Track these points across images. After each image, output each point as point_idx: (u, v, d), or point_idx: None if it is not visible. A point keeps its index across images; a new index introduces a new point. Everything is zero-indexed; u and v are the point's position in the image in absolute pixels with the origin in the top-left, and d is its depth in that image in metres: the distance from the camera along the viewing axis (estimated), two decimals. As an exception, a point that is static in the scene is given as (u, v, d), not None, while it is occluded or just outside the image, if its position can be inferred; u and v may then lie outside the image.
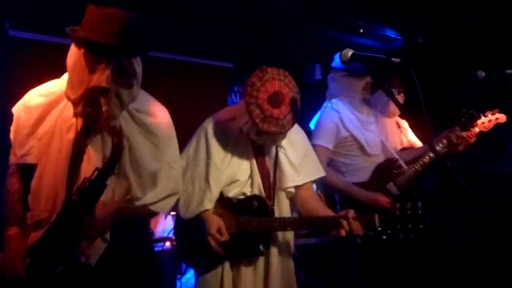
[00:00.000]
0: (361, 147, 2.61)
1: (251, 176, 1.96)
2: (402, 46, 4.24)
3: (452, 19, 3.68)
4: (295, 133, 2.06)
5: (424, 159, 2.57)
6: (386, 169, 2.62)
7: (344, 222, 1.77)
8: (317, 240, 3.66)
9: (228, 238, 1.86)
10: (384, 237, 2.44)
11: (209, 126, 2.01)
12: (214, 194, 1.93)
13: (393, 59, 1.47)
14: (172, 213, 3.23)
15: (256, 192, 1.95)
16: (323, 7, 3.55)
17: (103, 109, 1.44)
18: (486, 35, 3.51)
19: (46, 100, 1.63)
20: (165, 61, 4.14)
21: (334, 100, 2.73)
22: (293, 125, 1.84)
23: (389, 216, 1.81)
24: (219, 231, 1.87)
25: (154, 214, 1.77)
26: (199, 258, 1.98)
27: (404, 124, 2.97)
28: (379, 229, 2.44)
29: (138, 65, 1.55)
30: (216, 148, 1.96)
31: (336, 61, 2.67)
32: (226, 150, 1.96)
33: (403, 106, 1.59)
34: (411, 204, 1.79)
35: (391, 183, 2.55)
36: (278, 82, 1.80)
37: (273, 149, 2.00)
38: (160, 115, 1.75)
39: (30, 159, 1.60)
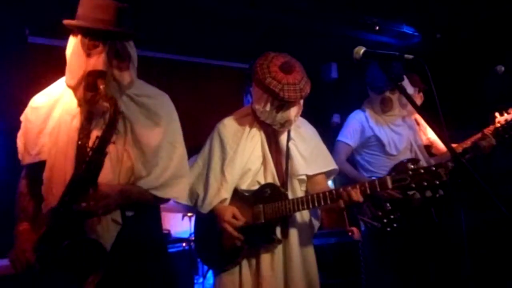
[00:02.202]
0: (383, 147, 2.70)
1: (264, 164, 2.01)
2: (420, 42, 4.17)
3: (470, 13, 3.60)
4: (304, 127, 2.14)
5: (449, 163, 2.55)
6: (405, 167, 2.60)
7: (343, 192, 1.80)
8: (336, 240, 3.64)
9: (244, 221, 1.91)
10: (389, 229, 2.49)
11: (221, 125, 2.10)
12: (230, 183, 1.97)
13: (406, 56, 1.44)
14: (189, 214, 3.29)
15: (269, 180, 1.99)
16: (338, 5, 3.52)
17: (100, 87, 1.50)
18: (506, 28, 3.42)
19: (49, 98, 1.71)
20: (180, 63, 4.18)
21: (365, 102, 2.86)
22: (309, 88, 1.92)
23: (402, 176, 1.79)
24: (234, 217, 1.91)
25: (162, 200, 1.76)
26: (216, 257, 2.01)
27: (423, 121, 2.94)
28: (385, 221, 2.49)
29: (132, 49, 1.63)
30: (228, 141, 2.02)
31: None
32: (239, 142, 2.02)
33: (416, 104, 1.55)
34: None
35: None
36: (282, 56, 1.95)
37: (284, 141, 2.04)
38: (160, 97, 1.79)
39: (44, 156, 1.65)
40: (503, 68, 2.42)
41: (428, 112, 1.47)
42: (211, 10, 3.41)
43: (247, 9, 3.45)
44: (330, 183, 4.46)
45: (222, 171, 1.98)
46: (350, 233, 3.45)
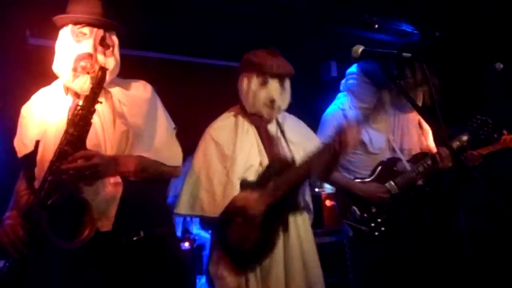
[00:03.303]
0: (364, 146, 2.60)
1: (261, 163, 2.00)
2: (419, 40, 4.17)
3: (469, 11, 3.60)
4: (291, 119, 2.20)
5: (427, 162, 2.52)
6: (388, 167, 2.60)
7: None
8: (337, 239, 3.65)
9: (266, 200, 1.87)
10: (377, 233, 2.46)
11: (211, 129, 2.08)
12: (235, 183, 1.93)
13: (404, 54, 1.45)
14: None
15: None
16: (337, 3, 3.53)
17: (87, 66, 1.64)
18: (505, 26, 3.43)
19: (43, 95, 1.81)
20: (178, 63, 4.19)
21: (341, 97, 2.74)
22: (293, 72, 2.05)
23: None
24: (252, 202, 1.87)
25: (164, 168, 1.76)
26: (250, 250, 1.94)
27: (427, 126, 2.84)
28: (372, 225, 2.46)
29: (116, 40, 1.78)
30: (224, 143, 2.01)
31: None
32: (235, 141, 2.01)
33: (415, 103, 1.56)
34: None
35: (391, 182, 2.53)
36: (265, 50, 2.05)
37: (274, 132, 2.07)
38: (143, 82, 1.87)
39: (35, 140, 1.70)
40: (502, 66, 2.41)
41: (426, 110, 1.48)
42: (207, 8, 3.41)
43: (245, 7, 3.46)
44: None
45: (227, 173, 1.94)
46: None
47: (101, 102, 1.61)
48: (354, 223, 2.51)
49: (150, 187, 1.76)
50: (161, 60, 4.14)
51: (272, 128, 2.09)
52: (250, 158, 1.98)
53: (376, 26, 3.77)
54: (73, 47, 1.68)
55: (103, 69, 1.62)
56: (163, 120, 1.82)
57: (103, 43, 1.71)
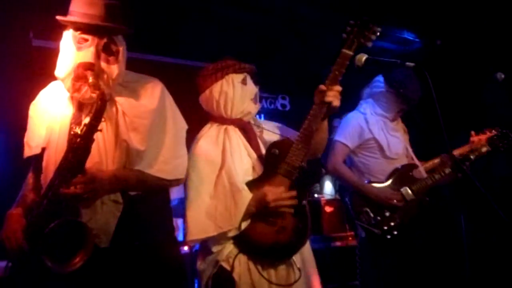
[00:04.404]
0: (382, 150, 2.65)
1: (253, 166, 1.94)
2: (420, 48, 4.19)
3: (470, 19, 3.62)
4: (269, 122, 2.17)
5: (445, 170, 2.55)
6: (404, 173, 2.63)
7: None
8: (335, 245, 3.65)
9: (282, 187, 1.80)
10: (389, 236, 2.47)
11: (196, 149, 1.96)
12: (241, 188, 1.83)
13: (407, 63, 1.47)
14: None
15: (259, 171, 1.92)
16: (338, 10, 3.54)
17: (89, 80, 1.56)
18: (506, 35, 3.44)
19: (49, 94, 1.78)
20: (182, 67, 4.18)
21: (363, 103, 2.79)
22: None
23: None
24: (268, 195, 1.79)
25: (167, 182, 1.74)
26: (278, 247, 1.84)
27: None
28: (385, 228, 2.47)
29: (121, 44, 1.69)
30: (215, 158, 1.91)
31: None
32: (225, 151, 1.92)
33: (417, 113, 1.57)
34: None
35: (406, 187, 2.55)
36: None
37: (257, 134, 2.03)
38: (150, 81, 1.80)
39: (40, 147, 1.70)
40: (503, 76, 2.43)
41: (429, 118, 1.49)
42: (213, 14, 3.43)
43: (248, 13, 3.47)
44: (330, 185, 4.48)
45: (229, 184, 1.84)
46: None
47: (100, 130, 1.56)
48: (367, 225, 2.52)
49: (150, 197, 1.74)
50: (158, 63, 4.11)
51: (254, 127, 2.05)
52: (244, 162, 1.92)
53: (378, 33, 3.79)
54: (74, 54, 1.61)
55: (102, 99, 1.53)
56: (170, 128, 1.76)
57: (106, 50, 1.63)
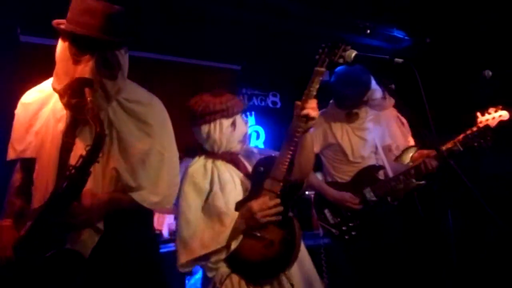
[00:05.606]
0: (345, 155, 2.67)
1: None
2: (410, 46, 4.22)
3: (459, 18, 3.66)
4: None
5: (410, 172, 2.51)
6: (368, 174, 2.64)
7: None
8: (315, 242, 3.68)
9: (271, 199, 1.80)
10: (347, 237, 2.51)
11: (185, 177, 1.94)
12: (228, 208, 1.86)
13: (396, 59, 1.48)
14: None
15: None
16: (329, 8, 3.56)
17: (88, 99, 1.44)
18: (495, 33, 3.48)
19: (40, 96, 1.69)
20: (173, 64, 4.17)
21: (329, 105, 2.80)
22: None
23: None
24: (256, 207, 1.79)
25: (155, 207, 1.75)
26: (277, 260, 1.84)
27: (405, 120, 2.86)
28: (344, 228, 2.52)
29: (122, 57, 1.57)
30: (208, 186, 1.91)
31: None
32: (212, 182, 1.92)
33: (405, 106, 1.58)
34: None
35: (368, 188, 2.56)
36: (210, 94, 1.97)
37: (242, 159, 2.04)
38: (151, 104, 1.73)
39: (28, 154, 1.64)
40: (490, 73, 2.45)
41: (417, 115, 1.50)
42: (203, 11, 3.42)
43: (241, 11, 3.47)
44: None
45: (217, 207, 1.85)
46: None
47: (98, 162, 1.48)
48: (326, 225, 2.57)
49: (132, 221, 1.71)
50: (156, 61, 4.12)
51: (242, 158, 2.05)
52: (238, 191, 1.93)
53: (368, 31, 3.81)
54: (72, 67, 1.50)
55: (101, 137, 1.43)
56: (165, 162, 1.69)
57: (106, 64, 1.51)
